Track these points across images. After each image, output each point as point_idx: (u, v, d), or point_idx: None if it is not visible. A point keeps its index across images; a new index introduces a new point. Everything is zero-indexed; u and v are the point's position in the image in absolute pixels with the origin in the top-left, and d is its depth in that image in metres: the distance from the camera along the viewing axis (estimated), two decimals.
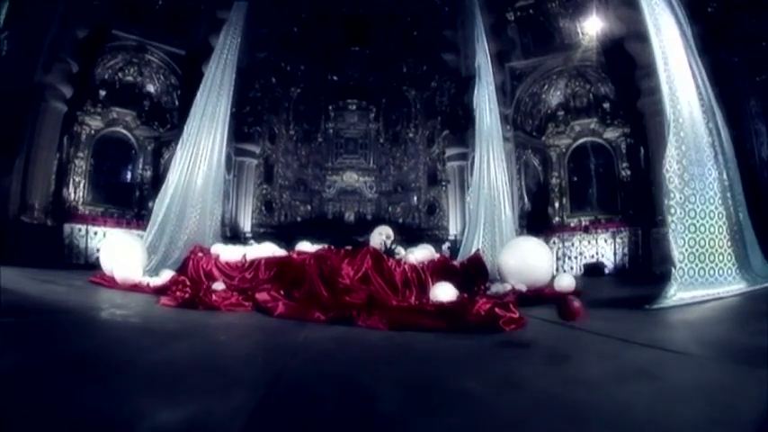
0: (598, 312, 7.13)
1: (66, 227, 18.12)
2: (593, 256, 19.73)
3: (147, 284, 9.87)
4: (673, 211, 7.82)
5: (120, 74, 21.32)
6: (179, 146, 15.15)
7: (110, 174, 21.10)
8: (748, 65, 16.37)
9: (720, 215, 8.25)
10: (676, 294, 7.50)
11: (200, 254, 11.28)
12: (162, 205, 14.39)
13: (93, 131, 20.38)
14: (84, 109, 19.86)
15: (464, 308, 6.38)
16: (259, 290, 8.53)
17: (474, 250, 13.52)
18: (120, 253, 10.90)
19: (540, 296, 9.30)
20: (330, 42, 26.46)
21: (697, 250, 7.91)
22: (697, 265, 7.88)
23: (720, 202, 8.32)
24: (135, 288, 9.82)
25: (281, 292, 8.01)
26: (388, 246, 10.48)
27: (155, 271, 11.54)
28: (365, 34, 26.50)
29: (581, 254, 19.88)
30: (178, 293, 8.28)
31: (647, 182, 18.56)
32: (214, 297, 7.99)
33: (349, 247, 9.97)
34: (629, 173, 20.88)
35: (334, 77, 27.69)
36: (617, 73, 19.89)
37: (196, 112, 15.34)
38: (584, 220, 21.33)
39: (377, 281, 8.55)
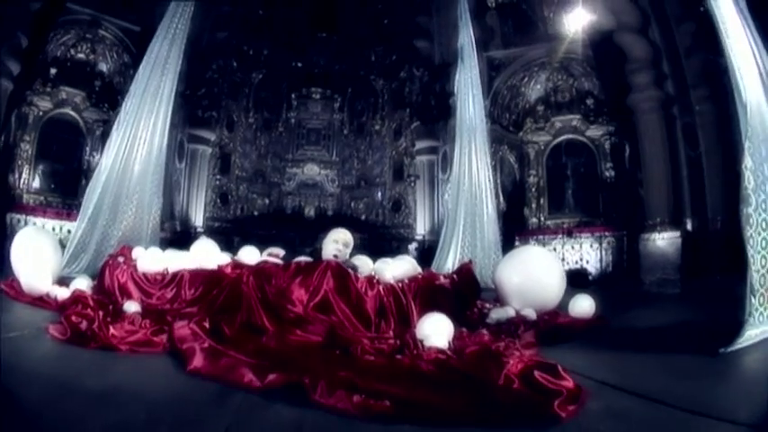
0: (660, 361, 5.12)
1: (9, 218, 15.87)
2: (576, 262, 17.65)
3: (55, 298, 7.18)
4: (751, 221, 5.54)
5: (72, 51, 19.10)
6: (114, 126, 12.87)
7: (55, 159, 18.80)
8: None
9: None
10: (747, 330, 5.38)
11: (120, 258, 8.34)
12: (93, 194, 12.13)
13: (40, 113, 18.19)
14: (34, 88, 17.71)
15: (485, 371, 3.90)
16: (181, 316, 5.89)
17: (459, 260, 11.63)
18: (26, 255, 8.26)
19: (557, 327, 6.83)
20: (295, 27, 24.34)
21: None
22: None
23: None
24: (40, 302, 7.18)
25: (206, 325, 5.32)
26: (346, 258, 7.47)
27: (84, 272, 9.43)
28: (333, 20, 24.46)
29: (563, 260, 17.64)
30: (73, 318, 5.58)
31: (633, 184, 17.29)
32: (113, 330, 5.33)
33: (302, 259, 6.99)
34: (612, 174, 19.09)
35: (299, 64, 25.58)
36: (604, 67, 18.37)
37: (137, 90, 13.06)
38: (567, 223, 19.44)
39: (341, 309, 5.82)
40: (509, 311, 7.30)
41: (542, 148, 20.61)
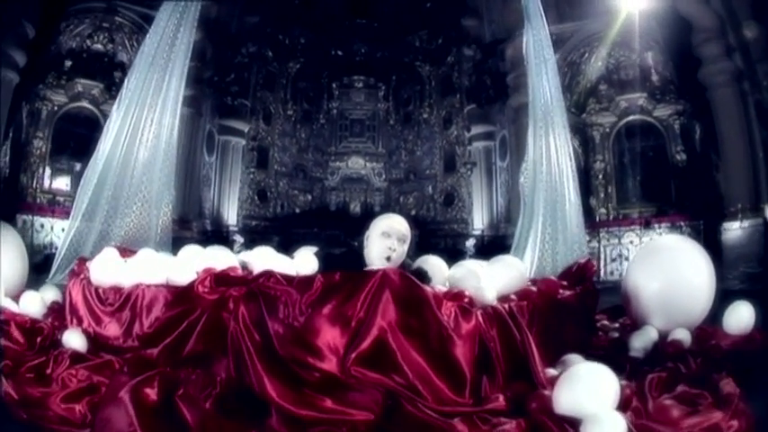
0: None
1: (20, 219, 14.51)
2: None
3: None
4: None
5: (88, 41, 17.47)
6: (115, 106, 10.62)
7: (72, 156, 16.86)
8: None
9: None
10: None
11: (88, 264, 5.54)
12: (88, 186, 9.84)
13: (54, 108, 16.48)
14: (47, 82, 16.15)
15: None
16: (132, 364, 3.28)
17: (538, 257, 9.97)
18: None
19: (735, 357, 4.04)
20: (334, 13, 22.67)
21: None
22: None
23: None
24: None
25: (151, 393, 2.58)
26: (398, 257, 3.89)
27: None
28: (372, 5, 22.75)
29: None
30: None
31: (707, 167, 15.54)
32: (5, 387, 2.94)
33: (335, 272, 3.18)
34: (684, 157, 16.86)
35: (339, 52, 23.65)
36: (669, 40, 16.36)
37: (140, 63, 10.83)
38: (641, 212, 17.18)
39: (411, 360, 2.72)
40: (651, 334, 4.51)
41: (607, 130, 18.44)
